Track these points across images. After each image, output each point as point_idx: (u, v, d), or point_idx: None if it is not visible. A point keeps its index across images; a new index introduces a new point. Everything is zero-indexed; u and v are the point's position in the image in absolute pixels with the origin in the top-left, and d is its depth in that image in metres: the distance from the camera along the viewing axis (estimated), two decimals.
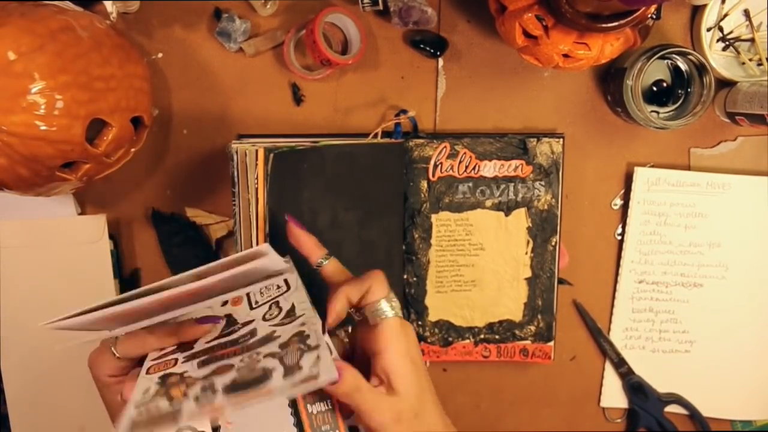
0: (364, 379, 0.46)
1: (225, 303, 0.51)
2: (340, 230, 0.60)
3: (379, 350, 0.46)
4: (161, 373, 0.50)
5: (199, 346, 0.51)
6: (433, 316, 0.68)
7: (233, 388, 0.49)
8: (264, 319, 0.51)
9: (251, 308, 0.52)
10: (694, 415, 0.73)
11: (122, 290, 0.68)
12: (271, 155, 0.55)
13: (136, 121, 0.56)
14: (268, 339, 0.51)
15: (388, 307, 0.48)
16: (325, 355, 0.50)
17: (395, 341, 0.47)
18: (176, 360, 0.51)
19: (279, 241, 0.56)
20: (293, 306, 0.51)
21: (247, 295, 0.52)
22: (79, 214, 0.66)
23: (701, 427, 0.73)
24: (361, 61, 0.64)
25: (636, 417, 0.73)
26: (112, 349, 0.48)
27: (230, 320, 0.51)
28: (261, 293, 0.52)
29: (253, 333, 0.51)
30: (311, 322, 0.51)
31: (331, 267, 0.51)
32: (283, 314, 0.51)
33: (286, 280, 0.52)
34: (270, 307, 0.51)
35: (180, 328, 0.48)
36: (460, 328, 0.69)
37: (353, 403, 0.45)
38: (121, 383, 0.49)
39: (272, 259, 0.45)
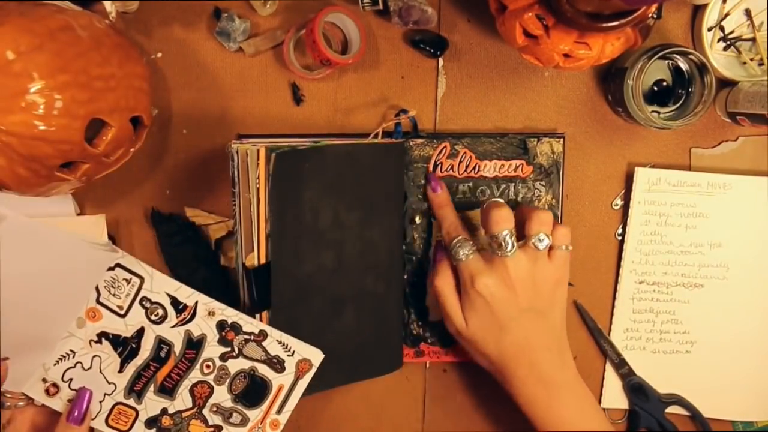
0: (451, 289, 0.61)
1: (82, 323, 0.49)
2: (341, 230, 0.60)
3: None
4: (138, 422, 0.50)
5: (118, 378, 0.50)
6: (433, 317, 0.68)
7: (248, 402, 0.50)
8: (155, 323, 0.50)
9: (121, 316, 0.50)
10: (695, 415, 0.73)
11: None
12: (273, 155, 0.54)
13: (136, 121, 0.56)
14: (195, 343, 0.51)
15: (461, 252, 0.60)
16: (287, 338, 0.52)
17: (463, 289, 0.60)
18: (125, 404, 0.50)
19: (280, 241, 0.56)
20: (173, 297, 0.50)
21: (100, 303, 0.50)
22: (78, 214, 0.66)
23: (702, 428, 0.73)
24: (361, 61, 0.64)
25: (637, 418, 0.73)
26: None
27: (110, 337, 0.50)
28: (114, 295, 0.50)
29: (164, 342, 0.50)
30: (219, 308, 0.51)
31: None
32: (171, 311, 0.50)
33: (132, 272, 0.51)
34: (145, 308, 0.50)
35: None
36: None
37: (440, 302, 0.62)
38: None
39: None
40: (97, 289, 0.49)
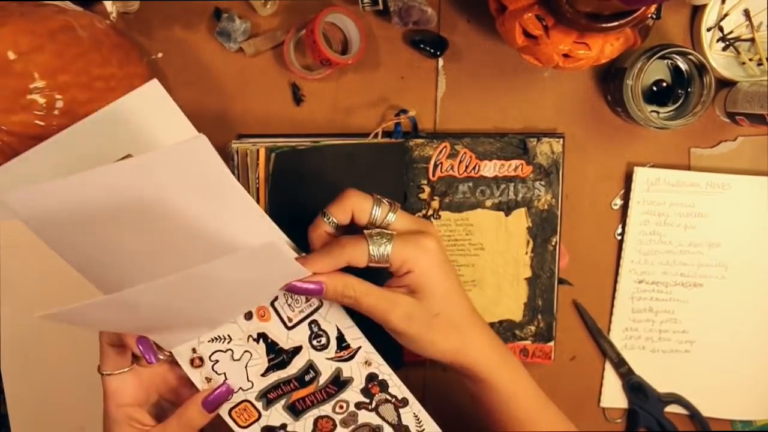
0: (369, 285, 0.47)
1: (250, 316, 0.50)
2: None
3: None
4: (257, 425, 0.51)
5: (258, 380, 0.50)
6: None
7: None
8: (314, 348, 0.51)
9: (287, 327, 0.50)
10: (694, 415, 0.73)
11: None
12: (273, 155, 0.54)
13: None
14: (341, 381, 0.51)
15: (380, 248, 0.46)
16: (424, 415, 0.53)
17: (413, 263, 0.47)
18: (253, 405, 0.51)
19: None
20: (341, 333, 0.51)
21: (273, 306, 0.50)
22: None
23: (701, 427, 0.73)
24: (361, 61, 0.64)
25: (636, 417, 0.73)
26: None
27: (269, 342, 0.50)
28: (289, 306, 0.50)
29: (314, 369, 0.51)
30: (376, 362, 0.52)
31: None
32: (334, 344, 0.51)
33: None
34: (312, 331, 0.50)
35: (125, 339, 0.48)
36: None
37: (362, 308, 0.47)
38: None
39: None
40: None
